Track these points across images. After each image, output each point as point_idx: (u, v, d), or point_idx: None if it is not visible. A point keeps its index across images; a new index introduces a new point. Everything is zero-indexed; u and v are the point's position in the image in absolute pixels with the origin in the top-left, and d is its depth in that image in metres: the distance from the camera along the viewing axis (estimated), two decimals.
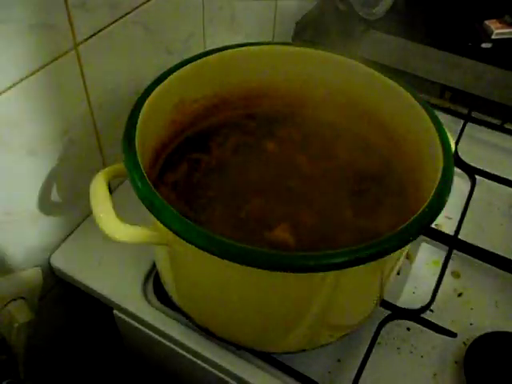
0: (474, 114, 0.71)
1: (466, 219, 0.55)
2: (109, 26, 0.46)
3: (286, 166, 0.48)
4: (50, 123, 0.45)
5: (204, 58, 0.46)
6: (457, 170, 0.60)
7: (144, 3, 0.49)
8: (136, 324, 0.49)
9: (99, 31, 0.46)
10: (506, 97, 0.72)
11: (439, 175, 0.37)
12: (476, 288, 0.52)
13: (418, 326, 0.48)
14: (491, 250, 0.54)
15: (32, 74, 0.41)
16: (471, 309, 0.50)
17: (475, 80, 0.73)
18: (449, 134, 0.41)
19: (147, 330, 0.49)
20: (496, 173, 0.61)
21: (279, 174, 0.47)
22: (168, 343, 0.48)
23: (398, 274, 0.52)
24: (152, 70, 0.52)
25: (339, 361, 0.46)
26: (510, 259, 0.53)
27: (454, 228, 0.54)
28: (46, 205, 0.49)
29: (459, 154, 0.63)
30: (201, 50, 0.48)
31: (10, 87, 0.39)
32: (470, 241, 0.54)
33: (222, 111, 0.51)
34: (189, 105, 0.48)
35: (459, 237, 0.54)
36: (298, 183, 0.46)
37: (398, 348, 0.47)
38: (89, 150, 0.52)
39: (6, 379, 0.39)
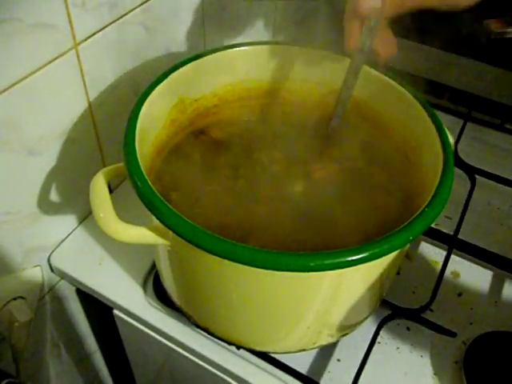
0: (474, 114, 0.71)
1: (465, 219, 0.55)
2: (109, 25, 0.47)
3: (284, 165, 0.48)
4: (50, 123, 0.45)
5: (204, 58, 0.46)
6: (457, 170, 0.60)
7: (144, 3, 0.49)
8: (136, 324, 0.49)
9: (99, 31, 0.46)
10: (506, 97, 0.72)
11: (439, 175, 0.37)
12: (476, 288, 0.52)
13: (418, 325, 0.48)
14: (491, 249, 0.54)
15: (32, 73, 0.41)
16: (471, 308, 0.50)
17: (475, 80, 0.73)
18: (449, 134, 0.41)
19: (147, 330, 0.49)
20: (496, 173, 0.61)
21: (279, 174, 0.47)
22: (168, 343, 0.48)
23: (398, 273, 0.52)
24: (152, 70, 0.52)
25: (339, 361, 0.46)
26: (510, 259, 0.53)
27: (454, 228, 0.54)
28: (45, 204, 0.49)
29: (459, 153, 0.63)
30: (201, 50, 0.48)
31: (10, 87, 0.39)
32: (469, 241, 0.54)
33: (221, 111, 0.51)
34: (189, 104, 0.48)
35: (459, 236, 0.54)
36: (297, 183, 0.46)
37: (398, 348, 0.47)
38: (89, 149, 0.52)
39: (5, 379, 0.39)
